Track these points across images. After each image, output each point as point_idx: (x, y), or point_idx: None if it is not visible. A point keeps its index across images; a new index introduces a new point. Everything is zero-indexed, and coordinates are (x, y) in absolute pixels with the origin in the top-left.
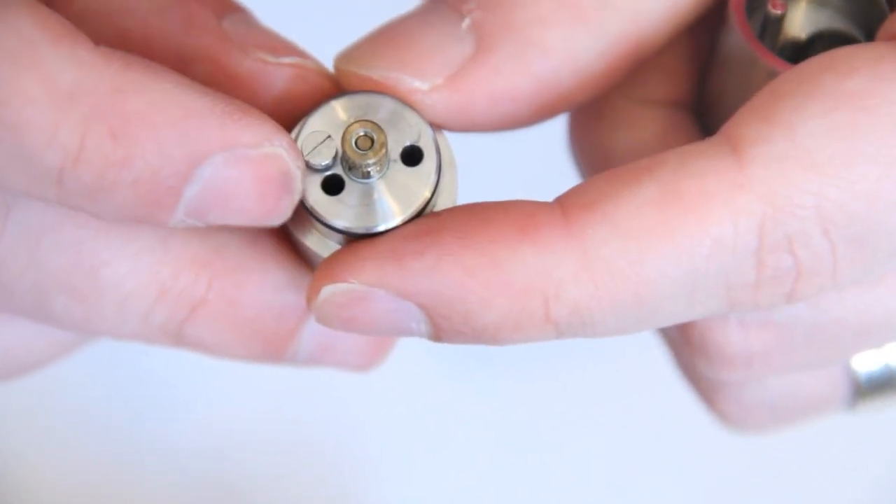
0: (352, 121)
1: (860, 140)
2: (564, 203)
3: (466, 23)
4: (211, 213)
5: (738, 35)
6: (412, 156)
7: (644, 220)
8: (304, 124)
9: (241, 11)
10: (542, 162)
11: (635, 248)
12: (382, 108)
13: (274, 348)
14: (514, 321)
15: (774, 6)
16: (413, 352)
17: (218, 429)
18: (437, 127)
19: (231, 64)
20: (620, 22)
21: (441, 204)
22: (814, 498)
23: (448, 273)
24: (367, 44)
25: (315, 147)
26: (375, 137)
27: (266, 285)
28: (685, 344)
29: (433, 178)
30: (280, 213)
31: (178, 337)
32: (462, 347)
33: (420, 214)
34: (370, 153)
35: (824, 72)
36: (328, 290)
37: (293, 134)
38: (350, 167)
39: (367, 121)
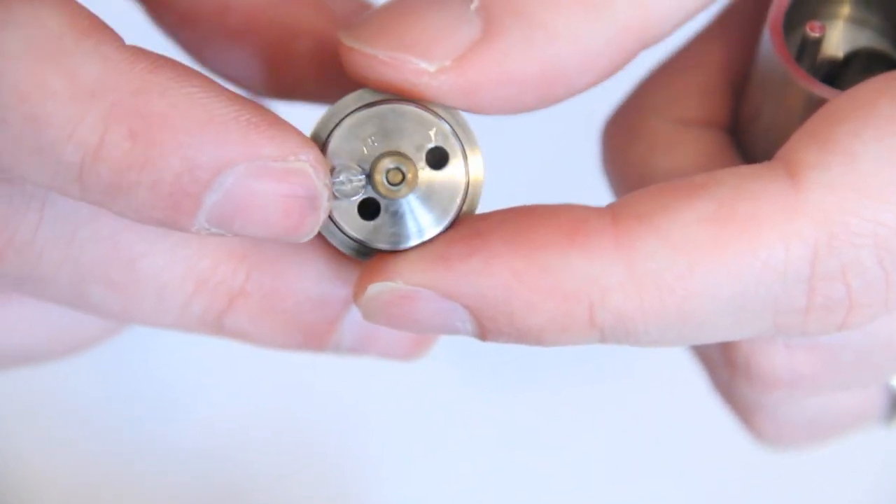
0: (376, 154)
1: None
2: (615, 211)
3: (475, 4)
4: (235, 224)
5: (775, 57)
6: (438, 158)
7: (695, 236)
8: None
9: None
10: (565, 143)
11: (684, 263)
12: (393, 116)
13: (315, 338)
14: (560, 325)
15: (813, 29)
16: None
17: (218, 429)
18: (451, 108)
19: (332, 42)
20: (629, 9)
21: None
22: (814, 498)
23: (495, 276)
24: (374, 22)
25: (343, 179)
26: (405, 169)
27: (305, 276)
28: (727, 364)
29: (463, 169)
30: (306, 231)
31: (218, 327)
32: (462, 348)
33: (462, 204)
34: (403, 187)
35: (880, 97)
36: (375, 289)
37: None
38: (383, 194)
39: (394, 152)
